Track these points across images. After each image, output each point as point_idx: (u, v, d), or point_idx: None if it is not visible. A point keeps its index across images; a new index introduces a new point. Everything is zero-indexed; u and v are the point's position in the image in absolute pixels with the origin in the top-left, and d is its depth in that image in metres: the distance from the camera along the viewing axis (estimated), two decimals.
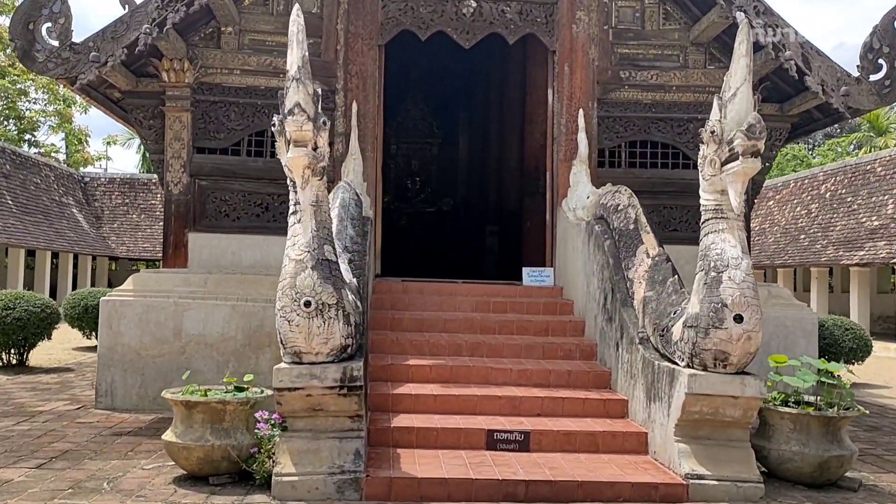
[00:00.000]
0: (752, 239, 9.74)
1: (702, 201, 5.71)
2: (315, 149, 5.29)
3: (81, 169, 33.25)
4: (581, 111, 9.20)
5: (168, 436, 5.52)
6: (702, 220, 5.73)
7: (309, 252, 5.25)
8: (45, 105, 33.11)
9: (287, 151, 5.26)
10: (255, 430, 5.39)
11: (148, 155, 9.09)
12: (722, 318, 5.34)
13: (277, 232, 7.71)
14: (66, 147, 35.04)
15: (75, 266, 26.98)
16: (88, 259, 27.88)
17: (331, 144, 9.05)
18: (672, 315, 5.99)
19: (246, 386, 5.85)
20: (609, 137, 9.46)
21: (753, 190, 9.49)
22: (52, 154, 33.78)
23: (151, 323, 8.29)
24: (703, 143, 5.70)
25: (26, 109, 32.70)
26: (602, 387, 6.99)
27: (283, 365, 5.28)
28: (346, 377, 5.25)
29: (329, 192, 7.43)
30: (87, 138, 35.70)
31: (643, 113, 9.44)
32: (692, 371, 5.48)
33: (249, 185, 8.98)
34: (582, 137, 9.15)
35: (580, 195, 8.86)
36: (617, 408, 6.57)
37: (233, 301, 8.38)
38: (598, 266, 7.66)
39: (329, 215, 5.49)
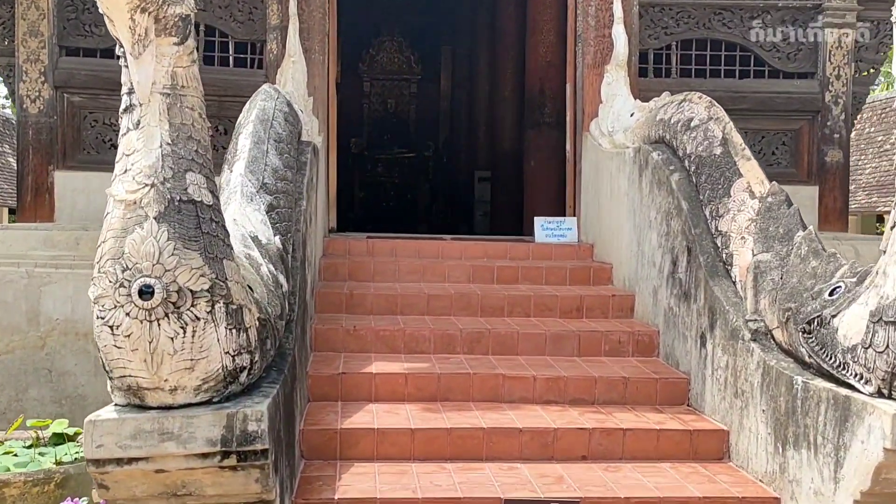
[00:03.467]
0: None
1: None
2: None
3: None
4: None
5: None
6: None
7: (153, 185, 2.59)
8: None
9: None
10: None
11: None
12: None
13: None
14: None
15: None
16: None
17: (262, 42, 6.35)
18: (825, 297, 3.41)
19: (70, 434, 3.22)
20: (654, 35, 6.81)
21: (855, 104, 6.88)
22: None
23: None
24: None
25: None
26: (677, 402, 4.45)
27: (106, 413, 2.65)
28: (233, 436, 2.64)
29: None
30: None
31: None
32: None
33: None
34: (619, 31, 6.48)
35: (619, 112, 6.21)
36: (711, 445, 4.02)
37: None
38: (658, 213, 5.05)
39: (200, 116, 2.79)
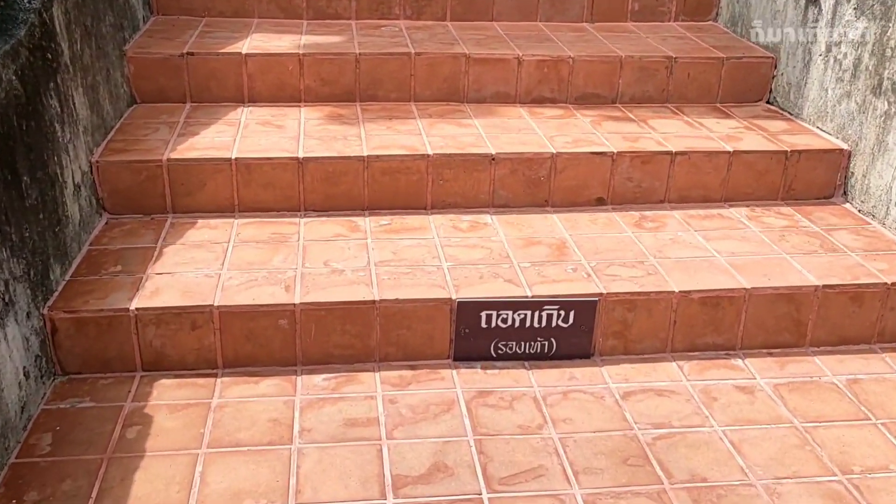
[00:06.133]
0: None
1: None
2: None
3: None
4: None
5: None
6: None
7: None
8: None
9: None
10: None
11: None
12: None
13: None
14: None
15: None
16: None
17: None
18: None
19: None
20: None
21: None
22: None
23: None
24: None
25: None
26: (752, 99, 2.72)
27: None
28: None
29: None
30: None
31: None
32: None
33: None
34: None
35: None
36: (816, 175, 2.37)
37: None
38: None
39: None
